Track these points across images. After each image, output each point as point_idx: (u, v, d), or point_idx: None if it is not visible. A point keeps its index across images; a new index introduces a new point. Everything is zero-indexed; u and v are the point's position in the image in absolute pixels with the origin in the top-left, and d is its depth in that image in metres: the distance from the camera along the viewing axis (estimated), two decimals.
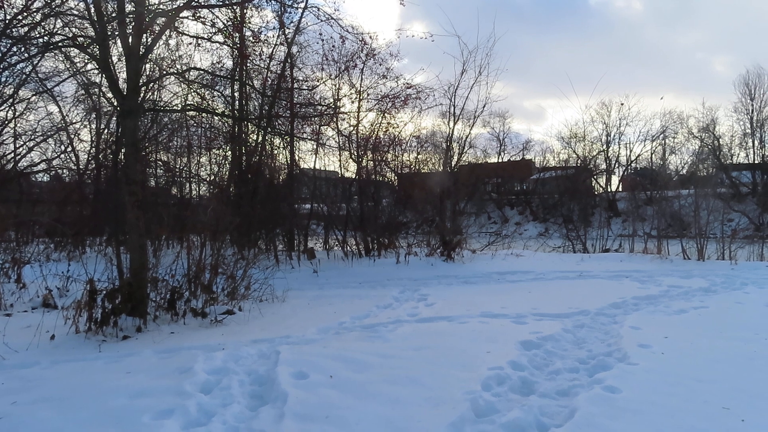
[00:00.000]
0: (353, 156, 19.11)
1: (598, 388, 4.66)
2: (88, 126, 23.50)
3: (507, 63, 51.59)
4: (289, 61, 17.71)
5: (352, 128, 18.80)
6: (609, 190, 43.82)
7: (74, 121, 22.80)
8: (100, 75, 18.33)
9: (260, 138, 18.29)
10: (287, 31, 17.07)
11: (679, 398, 4.48)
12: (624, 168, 45.50)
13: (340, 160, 20.44)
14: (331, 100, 18.45)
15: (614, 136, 44.27)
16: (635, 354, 5.73)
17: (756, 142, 40.89)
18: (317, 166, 21.37)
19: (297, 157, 20.26)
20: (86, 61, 15.04)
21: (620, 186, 44.78)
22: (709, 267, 13.52)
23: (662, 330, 6.97)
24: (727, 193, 33.16)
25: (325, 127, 18.94)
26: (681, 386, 4.77)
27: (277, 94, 16.86)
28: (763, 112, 40.12)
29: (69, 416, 4.20)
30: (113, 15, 8.35)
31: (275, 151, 19.46)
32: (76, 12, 10.06)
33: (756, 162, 40.39)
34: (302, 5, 16.25)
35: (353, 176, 19.85)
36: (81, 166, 23.08)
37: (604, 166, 44.92)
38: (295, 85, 17.81)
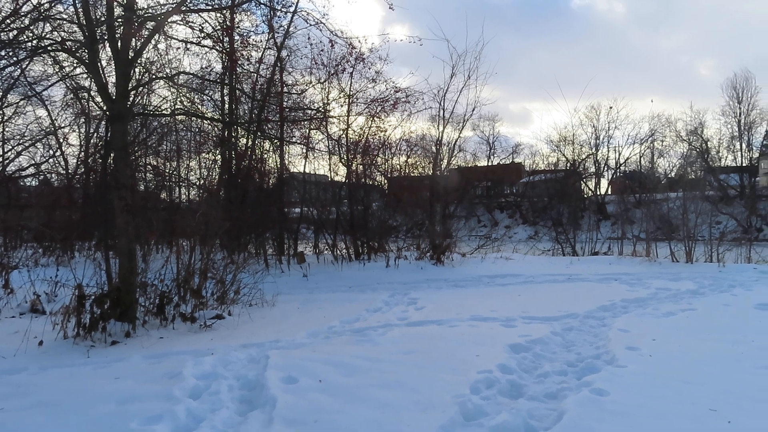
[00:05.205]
0: (343, 160, 19.12)
1: (586, 391, 4.68)
2: (77, 130, 23.44)
3: (492, 67, 51.70)
4: (278, 65, 17.71)
5: (341, 132, 18.84)
6: (598, 193, 44.05)
7: (63, 125, 22.71)
8: (89, 79, 18.24)
9: (250, 142, 18.27)
10: (277, 35, 17.06)
11: (666, 400, 4.51)
12: (613, 171, 45.81)
13: (329, 164, 20.47)
14: (321, 104, 18.45)
15: (603, 139, 44.62)
16: (623, 356, 5.77)
17: (743, 145, 41.32)
18: (307, 170, 21.37)
19: (287, 161, 20.28)
20: (75, 65, 14.96)
21: (609, 189, 45.04)
22: (698, 269, 13.61)
23: (650, 332, 7.02)
24: (715, 195, 33.35)
25: (315, 131, 18.95)
26: (669, 388, 4.81)
27: (267, 98, 16.84)
28: (751, 115, 40.55)
29: (57, 422, 4.18)
30: (102, 19, 8.33)
31: (265, 155, 19.45)
32: (65, 16, 10.03)
33: (743, 165, 40.73)
34: (291, 9, 16.25)
35: (343, 180, 19.87)
36: (70, 171, 22.98)
37: (593, 170, 45.19)
38: (285, 89, 17.79)
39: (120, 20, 8.01)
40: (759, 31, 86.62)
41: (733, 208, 33.79)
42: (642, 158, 44.90)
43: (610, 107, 44.20)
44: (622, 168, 45.46)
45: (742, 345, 6.40)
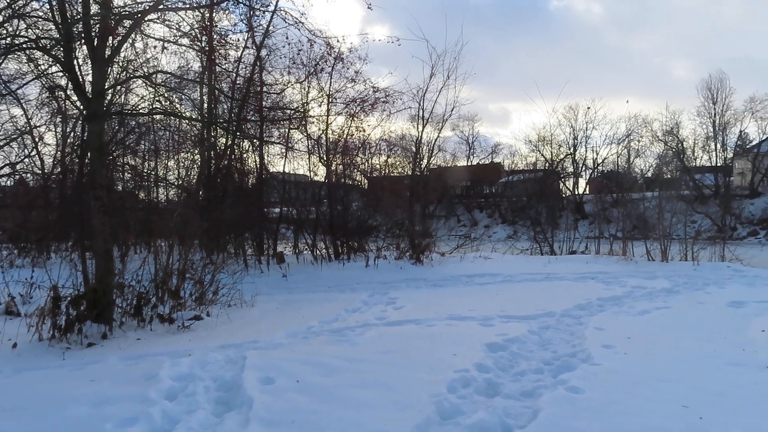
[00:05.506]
0: (322, 160, 19.10)
1: (561, 389, 4.74)
2: (54, 129, 23.13)
3: (472, 67, 51.86)
4: (258, 64, 17.63)
5: (321, 132, 18.82)
6: (576, 192, 44.41)
7: (39, 124, 22.38)
8: (65, 77, 18.01)
9: (229, 141, 18.17)
10: (256, 34, 16.97)
11: (640, 397, 4.58)
12: (591, 171, 46.18)
13: (309, 164, 20.44)
14: (300, 104, 18.39)
15: (581, 139, 44.88)
16: (599, 354, 5.85)
17: (718, 146, 41.86)
18: (287, 170, 21.31)
19: (266, 161, 20.19)
20: (51, 63, 14.76)
21: (587, 188, 45.43)
22: (673, 268, 13.80)
23: (626, 330, 7.12)
24: (691, 195, 33.83)
25: (294, 130, 18.90)
26: (643, 386, 4.88)
27: (246, 97, 16.76)
28: (725, 116, 41.04)
29: (30, 426, 4.15)
30: (78, 17, 8.24)
31: (244, 155, 19.36)
32: (40, 14, 9.90)
33: (718, 165, 41.32)
34: (271, 9, 16.18)
35: (323, 180, 19.85)
36: (46, 171, 22.69)
37: (571, 169, 45.52)
38: (264, 89, 17.71)
39: (96, 18, 7.94)
40: (733, 32, 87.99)
41: (707, 207, 34.22)
42: (619, 158, 45.33)
43: (588, 107, 44.58)
44: (599, 168, 45.86)
45: (715, 342, 6.52)
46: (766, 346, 6.25)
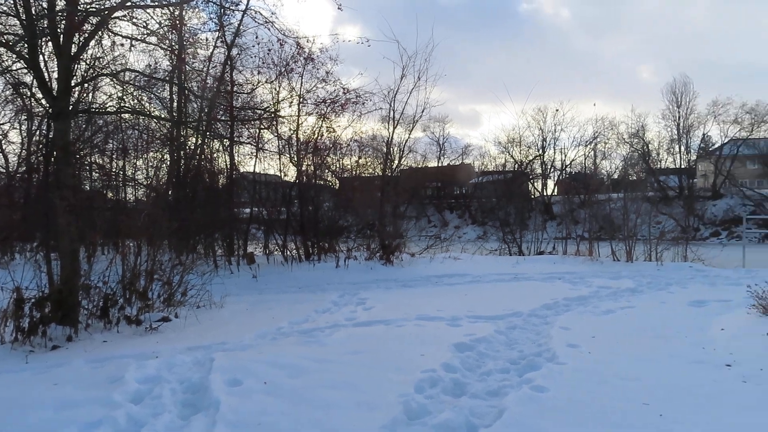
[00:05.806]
0: (293, 160, 19.03)
1: (526, 388, 4.81)
2: (18, 127, 22.73)
3: (442, 68, 52.11)
4: (228, 63, 17.50)
5: (291, 132, 18.74)
6: (545, 193, 44.90)
7: (3, 122, 21.97)
8: (30, 75, 17.66)
9: (199, 141, 18.00)
10: (226, 33, 16.84)
11: (604, 396, 4.68)
12: (559, 172, 46.68)
13: (279, 164, 20.34)
14: (271, 104, 18.28)
15: (549, 141, 45.38)
16: (564, 354, 5.95)
17: (682, 148, 42.65)
18: (257, 170, 21.18)
19: (236, 161, 20.05)
20: (15, 60, 14.47)
21: (555, 190, 45.92)
22: (637, 268, 14.06)
23: (590, 330, 7.25)
24: (655, 196, 34.37)
25: (265, 130, 18.79)
26: (606, 384, 4.99)
27: (217, 97, 16.61)
28: (689, 119, 41.83)
29: None
30: (43, 13, 8.11)
31: (214, 155, 19.19)
32: (4, 8, 9.71)
33: (682, 167, 42.14)
34: (241, 8, 16.07)
35: (293, 180, 19.77)
36: (10, 169, 22.27)
37: (540, 171, 45.98)
38: (235, 89, 17.57)
39: (62, 14, 7.82)
40: (697, 37, 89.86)
41: (672, 208, 34.80)
42: (586, 160, 45.92)
43: (557, 110, 45.30)
44: (567, 169, 46.38)
45: (676, 341, 6.68)
46: (725, 345, 6.40)
